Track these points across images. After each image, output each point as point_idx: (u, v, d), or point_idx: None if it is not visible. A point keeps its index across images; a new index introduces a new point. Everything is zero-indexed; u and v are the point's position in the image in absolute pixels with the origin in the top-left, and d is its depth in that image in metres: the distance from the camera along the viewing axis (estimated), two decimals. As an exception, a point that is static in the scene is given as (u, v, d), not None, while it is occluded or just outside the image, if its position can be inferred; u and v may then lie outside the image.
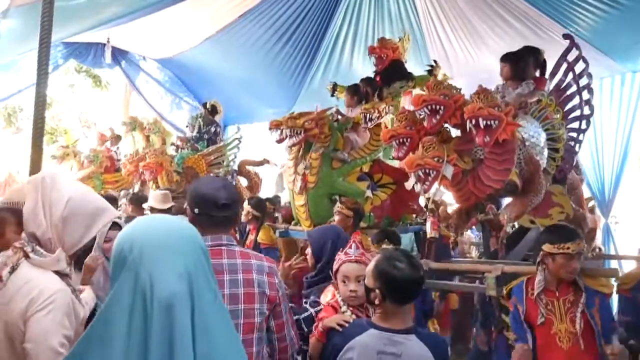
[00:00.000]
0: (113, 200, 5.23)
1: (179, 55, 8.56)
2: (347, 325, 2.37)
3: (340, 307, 2.65)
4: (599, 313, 2.86)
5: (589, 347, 2.84)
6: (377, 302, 2.24)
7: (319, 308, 2.85)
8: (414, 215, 5.29)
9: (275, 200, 7.02)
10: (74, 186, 2.11)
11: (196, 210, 2.23)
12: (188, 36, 7.86)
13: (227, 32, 7.66)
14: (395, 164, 5.49)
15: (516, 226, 4.42)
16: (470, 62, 7.46)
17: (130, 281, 1.18)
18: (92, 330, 1.21)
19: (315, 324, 2.64)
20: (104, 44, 7.94)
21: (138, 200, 6.25)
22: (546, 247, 2.93)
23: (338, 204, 4.30)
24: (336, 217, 4.24)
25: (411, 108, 3.30)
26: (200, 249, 1.32)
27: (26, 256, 1.93)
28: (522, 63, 4.18)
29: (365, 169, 5.00)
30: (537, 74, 4.34)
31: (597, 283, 2.95)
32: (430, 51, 7.54)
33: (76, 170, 7.78)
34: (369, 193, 4.80)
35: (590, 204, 5.55)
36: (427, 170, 3.09)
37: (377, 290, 2.22)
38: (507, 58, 4.32)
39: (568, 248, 2.84)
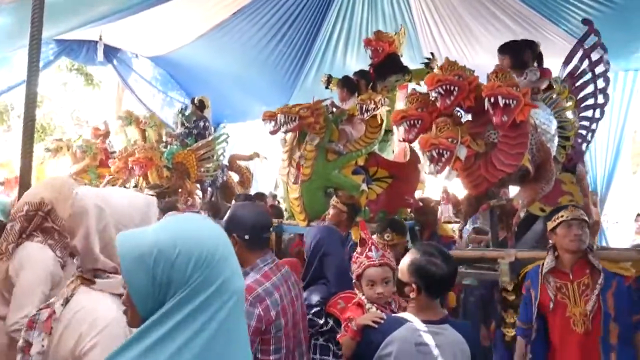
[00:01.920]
0: None
1: (172, 53, 8.50)
2: (382, 321, 2.36)
3: (365, 305, 2.65)
4: (614, 297, 2.83)
5: (599, 330, 2.82)
6: (412, 295, 2.28)
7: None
8: (409, 210, 5.25)
9: (263, 195, 6.96)
10: (134, 207, 1.86)
11: (246, 237, 2.50)
12: (181, 34, 7.81)
13: (221, 29, 7.63)
14: (391, 157, 5.49)
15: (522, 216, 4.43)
16: (464, 61, 7.44)
17: (217, 278, 1.19)
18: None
19: (344, 323, 2.65)
20: (96, 42, 7.83)
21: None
22: (548, 226, 3.02)
23: (334, 197, 4.24)
24: (330, 211, 4.15)
25: (424, 89, 3.27)
26: None
27: (86, 282, 1.71)
28: (521, 53, 4.19)
29: (361, 162, 4.93)
30: (535, 65, 4.36)
31: (616, 266, 2.92)
32: (424, 49, 7.57)
33: (71, 164, 7.67)
34: (364, 187, 4.74)
35: (594, 197, 5.58)
36: (441, 151, 3.06)
37: (413, 285, 2.26)
38: (506, 49, 4.29)
39: (562, 216, 2.92)
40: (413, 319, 2.27)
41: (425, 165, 3.18)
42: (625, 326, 2.82)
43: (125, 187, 7.71)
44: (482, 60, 7.20)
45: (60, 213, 2.61)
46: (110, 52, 8.38)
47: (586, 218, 2.91)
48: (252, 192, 7.53)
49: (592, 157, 6.86)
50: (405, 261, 2.33)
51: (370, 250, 2.77)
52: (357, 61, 7.79)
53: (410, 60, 7.22)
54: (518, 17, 6.45)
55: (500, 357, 4.00)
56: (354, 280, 2.81)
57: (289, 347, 2.53)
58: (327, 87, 6.11)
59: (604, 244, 6.73)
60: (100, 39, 7.73)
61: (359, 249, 2.82)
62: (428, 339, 2.21)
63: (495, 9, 6.51)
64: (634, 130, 7.19)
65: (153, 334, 1.12)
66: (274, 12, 7.47)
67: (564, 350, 2.88)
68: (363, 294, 2.71)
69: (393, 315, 2.45)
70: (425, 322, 2.25)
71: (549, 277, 2.96)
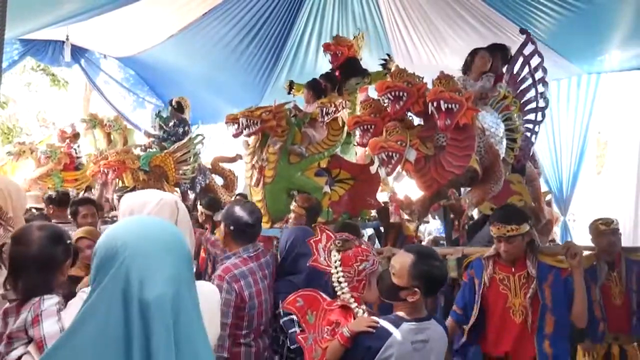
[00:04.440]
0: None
1: (141, 54, 8.42)
2: (378, 325, 2.35)
3: (355, 309, 2.61)
4: (551, 288, 2.95)
5: (535, 320, 2.95)
6: (410, 299, 2.31)
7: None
8: (372, 211, 5.31)
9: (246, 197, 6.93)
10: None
11: (232, 227, 2.98)
12: (150, 34, 7.75)
13: (191, 30, 7.59)
14: (353, 159, 5.54)
15: (475, 217, 4.52)
16: (433, 62, 7.56)
17: (118, 282, 1.11)
18: (71, 333, 1.11)
19: (331, 327, 2.60)
20: (63, 42, 7.70)
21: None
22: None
23: (293, 202, 4.28)
24: (291, 215, 4.23)
25: (375, 95, 3.34)
26: (185, 254, 1.25)
27: None
28: (504, 57, 4.31)
29: (323, 164, 4.97)
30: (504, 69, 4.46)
31: (553, 259, 3.04)
32: (393, 51, 7.62)
33: (34, 168, 7.57)
34: (326, 188, 4.78)
35: (547, 197, 5.68)
36: (390, 154, 3.14)
37: (415, 289, 2.29)
38: (496, 50, 4.39)
39: (492, 231, 3.03)
40: (407, 320, 2.32)
41: (375, 167, 3.24)
42: (562, 318, 2.94)
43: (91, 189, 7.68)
44: (450, 61, 7.28)
45: None
46: (78, 53, 8.26)
47: (513, 233, 2.92)
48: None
49: (557, 158, 6.97)
50: (406, 265, 2.32)
51: (367, 260, 2.70)
52: (328, 62, 7.79)
53: (380, 61, 7.29)
54: (485, 19, 6.54)
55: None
56: (341, 283, 2.70)
57: (259, 328, 2.92)
58: (289, 93, 6.14)
59: (569, 242, 6.84)
60: (67, 39, 7.60)
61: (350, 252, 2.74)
62: (419, 335, 2.29)
63: (462, 11, 6.59)
64: (597, 131, 7.31)
65: (69, 332, 1.11)
66: (244, 12, 7.44)
67: (501, 338, 3.01)
68: (352, 298, 2.64)
69: (385, 317, 2.43)
70: (416, 320, 2.33)
71: (490, 264, 3.07)
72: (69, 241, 2.18)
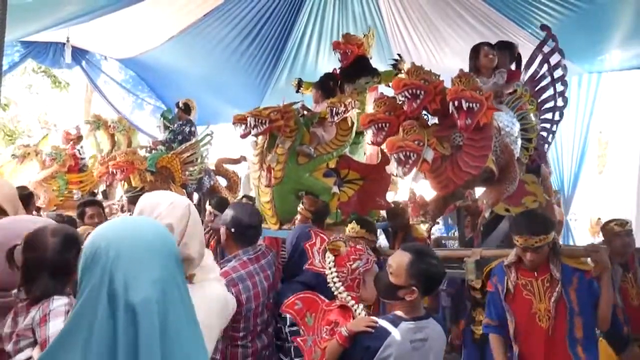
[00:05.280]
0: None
1: (142, 55, 8.40)
2: (377, 325, 2.35)
3: (353, 307, 2.65)
4: (576, 292, 2.88)
5: (564, 325, 2.88)
6: (408, 298, 2.31)
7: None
8: (381, 211, 5.29)
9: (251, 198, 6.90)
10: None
11: (232, 230, 2.98)
12: (151, 35, 7.72)
13: (191, 31, 7.57)
14: (362, 159, 5.51)
15: (487, 216, 4.50)
16: (433, 62, 7.56)
17: (103, 283, 1.11)
18: (63, 335, 1.13)
19: (330, 327, 2.61)
20: (64, 43, 7.69)
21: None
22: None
23: (300, 204, 4.27)
24: (298, 217, 4.23)
25: (391, 93, 3.30)
26: (174, 254, 1.25)
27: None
28: (512, 53, 4.27)
29: (332, 164, 4.93)
30: (513, 67, 4.43)
31: (575, 262, 2.98)
32: (394, 50, 7.63)
33: (39, 170, 7.52)
34: (335, 189, 4.75)
35: (557, 197, 5.69)
36: (408, 153, 3.07)
37: (413, 288, 2.30)
38: (502, 47, 4.33)
39: (517, 241, 2.93)
40: (405, 319, 2.33)
41: (392, 167, 3.20)
42: (589, 321, 2.88)
43: (94, 192, 7.64)
44: (450, 61, 7.31)
45: None
46: (79, 54, 8.23)
47: (541, 244, 2.86)
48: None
49: (559, 157, 6.97)
50: (403, 264, 2.32)
51: (360, 259, 2.77)
52: (329, 63, 7.79)
53: (380, 61, 7.28)
54: (485, 19, 6.54)
55: (468, 355, 4.08)
56: (336, 283, 2.77)
57: (256, 329, 2.91)
58: (297, 91, 6.10)
59: (570, 242, 6.87)
60: (68, 40, 7.58)
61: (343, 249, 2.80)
62: (418, 334, 2.29)
63: (463, 11, 6.59)
64: (598, 131, 7.35)
65: (62, 334, 1.12)
66: (245, 13, 7.43)
67: (529, 345, 2.94)
68: (349, 296, 2.68)
69: (384, 317, 2.44)
70: (414, 319, 2.33)
71: (512, 271, 3.01)
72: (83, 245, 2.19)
